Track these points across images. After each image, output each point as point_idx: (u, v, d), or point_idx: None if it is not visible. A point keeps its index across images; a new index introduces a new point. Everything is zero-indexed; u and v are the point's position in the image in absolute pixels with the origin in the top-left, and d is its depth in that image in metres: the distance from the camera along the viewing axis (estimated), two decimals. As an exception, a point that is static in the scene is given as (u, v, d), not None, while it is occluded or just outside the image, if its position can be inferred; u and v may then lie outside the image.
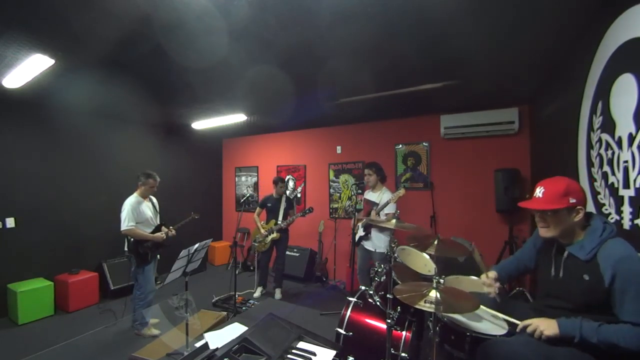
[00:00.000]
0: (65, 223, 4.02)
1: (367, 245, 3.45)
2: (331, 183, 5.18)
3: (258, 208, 4.36)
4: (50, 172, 3.92)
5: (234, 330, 1.57)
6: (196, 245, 2.58)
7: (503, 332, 1.56)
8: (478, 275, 1.99)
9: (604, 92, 1.71)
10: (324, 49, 2.33)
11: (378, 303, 2.12)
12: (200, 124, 4.92)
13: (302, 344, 1.51)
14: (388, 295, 1.83)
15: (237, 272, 3.95)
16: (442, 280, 1.56)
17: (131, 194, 3.21)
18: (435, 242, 1.79)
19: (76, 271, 3.90)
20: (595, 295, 1.23)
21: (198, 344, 1.44)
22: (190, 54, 2.40)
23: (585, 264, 1.28)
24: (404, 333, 1.98)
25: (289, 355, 1.40)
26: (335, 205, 5.14)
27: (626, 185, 1.47)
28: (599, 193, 1.79)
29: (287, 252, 4.53)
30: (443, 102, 3.71)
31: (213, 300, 3.96)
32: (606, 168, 1.68)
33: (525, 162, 3.75)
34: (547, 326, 1.29)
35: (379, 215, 3.30)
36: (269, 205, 4.27)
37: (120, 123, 4.71)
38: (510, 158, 3.79)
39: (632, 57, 1.44)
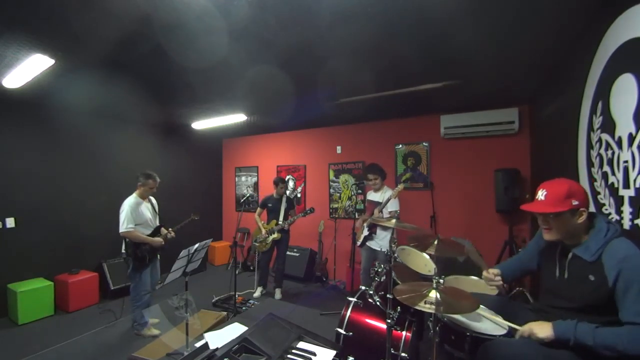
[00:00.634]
0: (65, 223, 4.02)
1: (373, 245, 3.46)
2: (331, 183, 5.18)
3: (259, 208, 4.36)
4: (50, 172, 3.92)
5: (234, 330, 1.57)
6: (196, 245, 2.58)
7: (503, 332, 1.56)
8: (478, 275, 1.99)
9: (604, 92, 1.71)
10: (324, 49, 2.33)
11: (378, 303, 2.12)
12: (200, 124, 4.92)
13: (302, 344, 1.51)
14: (388, 295, 1.83)
15: (237, 272, 3.95)
16: (442, 281, 1.56)
17: (131, 194, 3.19)
18: (435, 242, 1.79)
19: (76, 271, 3.90)
20: (600, 295, 1.23)
21: (198, 344, 1.44)
22: (190, 54, 2.40)
23: (591, 265, 1.27)
24: (404, 333, 1.98)
25: (289, 355, 1.40)
26: (335, 205, 5.14)
27: (626, 185, 1.47)
28: (599, 193, 1.79)
29: (287, 252, 4.53)
30: (443, 102, 3.71)
31: (213, 300, 3.96)
32: (606, 168, 1.68)
33: (525, 162, 3.75)
34: (541, 329, 1.29)
35: (381, 213, 3.32)
36: (269, 205, 4.28)
37: (120, 123, 4.71)
38: (510, 158, 3.79)
39: (632, 57, 1.43)
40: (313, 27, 2.01)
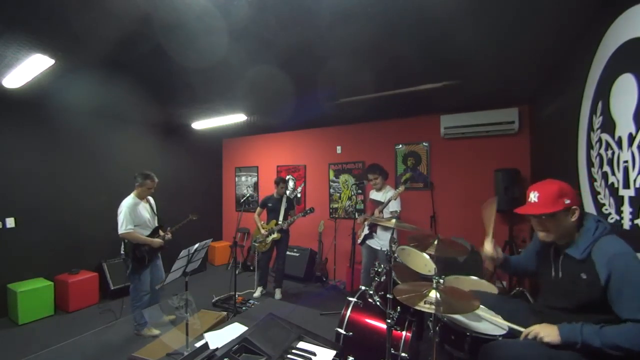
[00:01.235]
0: (65, 223, 4.02)
1: (373, 243, 3.47)
2: (331, 183, 5.18)
3: (259, 208, 4.36)
4: (50, 172, 3.92)
5: (234, 330, 1.57)
6: (196, 245, 2.57)
7: (503, 332, 1.56)
8: (478, 275, 1.99)
9: (604, 92, 1.71)
10: (324, 49, 2.33)
11: (378, 303, 2.12)
12: (200, 124, 4.91)
13: (302, 344, 1.51)
14: (388, 295, 1.83)
15: (237, 272, 3.95)
16: (442, 281, 1.56)
17: (130, 194, 3.18)
18: (435, 242, 1.79)
19: (76, 271, 3.90)
20: (594, 293, 1.23)
21: (198, 344, 1.44)
22: (190, 54, 2.40)
23: (581, 263, 1.28)
24: (404, 333, 1.98)
25: (289, 355, 1.40)
26: (335, 205, 5.14)
27: (626, 185, 1.47)
28: (599, 193, 1.79)
29: (287, 252, 4.53)
30: (443, 102, 3.71)
31: (213, 300, 3.96)
32: (606, 168, 1.68)
33: (525, 162, 3.75)
34: (547, 333, 1.28)
35: (382, 213, 3.34)
36: (269, 205, 4.27)
37: (120, 123, 4.71)
38: (510, 158, 3.79)
39: (632, 57, 1.44)
40: (313, 27, 2.01)
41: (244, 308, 3.68)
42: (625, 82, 1.49)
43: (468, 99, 3.63)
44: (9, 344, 3.01)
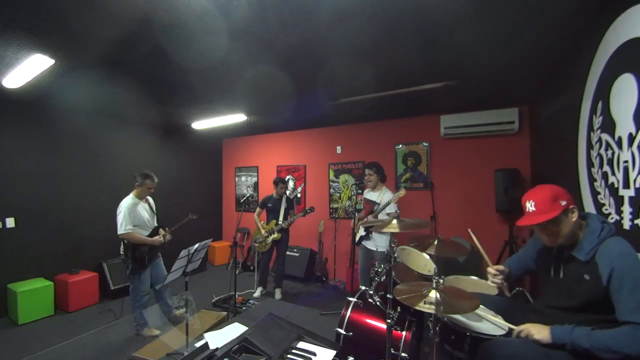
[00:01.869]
0: (65, 223, 4.02)
1: (369, 244, 3.45)
2: (331, 183, 5.18)
3: (258, 208, 4.36)
4: (50, 172, 3.92)
5: (234, 330, 1.57)
6: (196, 245, 2.57)
7: (503, 332, 1.56)
8: (478, 275, 1.99)
9: (604, 92, 1.71)
10: (324, 49, 2.33)
11: (378, 303, 2.12)
12: (200, 124, 4.91)
13: (302, 344, 1.51)
14: (388, 295, 1.83)
15: (237, 272, 3.95)
16: (442, 281, 1.56)
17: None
18: (435, 242, 1.79)
19: (76, 271, 3.90)
20: (596, 294, 1.23)
21: (198, 344, 1.44)
22: (190, 54, 2.40)
23: (585, 265, 1.28)
24: (404, 333, 1.98)
25: (289, 355, 1.40)
26: (335, 205, 5.14)
27: (626, 185, 1.47)
28: (599, 193, 1.79)
29: (287, 252, 4.53)
30: (443, 102, 3.71)
31: (213, 300, 3.96)
32: (606, 168, 1.68)
33: (525, 162, 3.75)
34: (538, 331, 1.30)
35: (377, 217, 3.30)
36: (269, 205, 4.27)
37: (120, 123, 4.71)
38: (510, 158, 3.79)
39: (632, 57, 1.44)
40: (313, 27, 2.01)
41: (244, 308, 3.68)
42: (625, 82, 1.49)
43: (468, 99, 3.63)
44: (9, 344, 3.01)
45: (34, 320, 3.43)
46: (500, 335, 1.53)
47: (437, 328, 1.63)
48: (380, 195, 3.40)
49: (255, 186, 6.11)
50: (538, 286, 1.58)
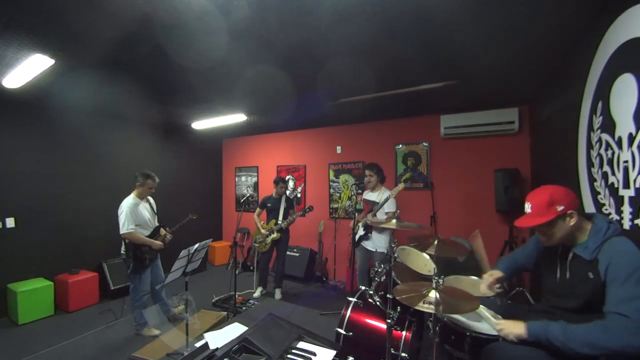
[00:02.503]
0: (65, 223, 4.02)
1: (368, 245, 3.45)
2: (331, 183, 5.18)
3: (258, 209, 4.35)
4: (50, 172, 3.92)
5: (234, 330, 1.57)
6: (196, 245, 2.57)
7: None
8: (478, 275, 1.99)
9: (604, 92, 1.71)
10: (324, 49, 2.33)
11: (378, 303, 2.12)
12: (200, 124, 4.91)
13: (302, 344, 1.51)
14: (388, 295, 1.83)
15: (237, 272, 3.95)
16: (441, 281, 1.56)
17: (130, 194, 3.17)
18: (435, 242, 1.79)
19: (76, 271, 3.90)
20: (597, 292, 1.23)
21: (198, 344, 1.43)
22: (190, 54, 2.40)
23: (590, 263, 1.28)
24: (404, 333, 1.98)
25: (289, 355, 1.40)
26: (335, 205, 5.14)
27: (626, 185, 1.47)
28: (599, 193, 1.79)
29: (287, 252, 4.52)
30: (443, 102, 3.71)
31: (213, 300, 3.96)
32: (606, 168, 1.68)
33: (525, 162, 3.75)
34: (515, 328, 1.35)
35: (376, 215, 3.31)
36: (269, 205, 4.27)
37: (120, 123, 4.71)
38: (510, 158, 3.79)
39: (632, 57, 1.44)
40: (313, 27, 2.01)
41: (244, 308, 3.68)
42: (625, 82, 1.49)
43: (468, 99, 3.63)
44: (9, 344, 3.01)
45: (34, 320, 3.43)
46: (500, 336, 1.53)
47: (437, 328, 1.63)
48: (380, 196, 3.41)
49: (255, 186, 6.11)
50: (541, 287, 1.58)
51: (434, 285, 1.52)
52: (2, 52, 2.36)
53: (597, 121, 1.80)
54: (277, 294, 4.16)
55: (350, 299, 2.28)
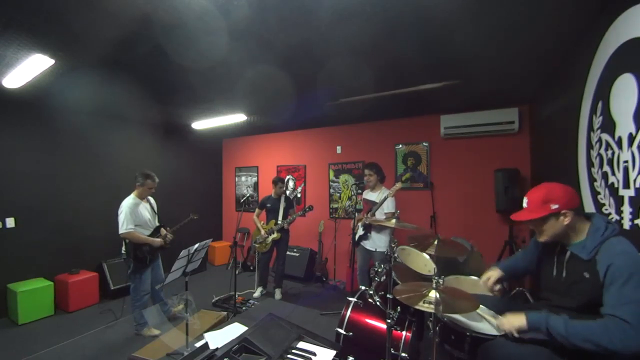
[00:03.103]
0: (65, 223, 4.02)
1: (367, 245, 3.45)
2: (331, 183, 5.18)
3: (257, 209, 4.35)
4: (50, 172, 3.92)
5: (234, 330, 1.57)
6: (196, 245, 2.57)
7: (503, 332, 1.56)
8: (478, 275, 1.99)
9: (604, 92, 1.71)
10: (324, 49, 2.33)
11: (378, 303, 2.12)
12: (200, 124, 4.92)
13: (302, 344, 1.51)
14: (388, 295, 1.83)
15: (237, 272, 3.95)
16: (441, 281, 1.56)
17: (130, 194, 3.17)
18: (435, 242, 1.79)
19: (76, 271, 3.90)
20: (595, 292, 1.23)
21: (198, 344, 1.44)
22: (190, 54, 2.40)
23: (587, 263, 1.29)
24: (404, 333, 1.99)
25: (289, 355, 1.40)
26: (335, 205, 5.14)
27: (626, 185, 1.47)
28: (599, 193, 1.79)
29: (287, 252, 4.52)
30: (443, 102, 3.71)
31: (213, 300, 3.96)
32: (606, 168, 1.68)
33: (525, 162, 3.75)
34: (515, 321, 1.36)
35: (374, 214, 3.31)
36: (268, 205, 4.27)
37: (120, 123, 4.71)
38: (510, 158, 3.79)
39: (632, 57, 1.44)
40: (313, 27, 2.01)
41: (244, 308, 3.68)
42: (625, 82, 1.49)
43: (468, 99, 3.63)
44: (9, 344, 3.01)
45: (34, 320, 3.43)
46: (500, 336, 1.53)
47: (437, 328, 1.63)
48: (380, 196, 3.42)
49: (255, 186, 6.11)
50: (539, 286, 1.58)
51: (434, 285, 1.52)
52: (2, 52, 2.36)
53: (597, 121, 1.80)
54: (277, 294, 4.16)
55: (350, 299, 2.28)
